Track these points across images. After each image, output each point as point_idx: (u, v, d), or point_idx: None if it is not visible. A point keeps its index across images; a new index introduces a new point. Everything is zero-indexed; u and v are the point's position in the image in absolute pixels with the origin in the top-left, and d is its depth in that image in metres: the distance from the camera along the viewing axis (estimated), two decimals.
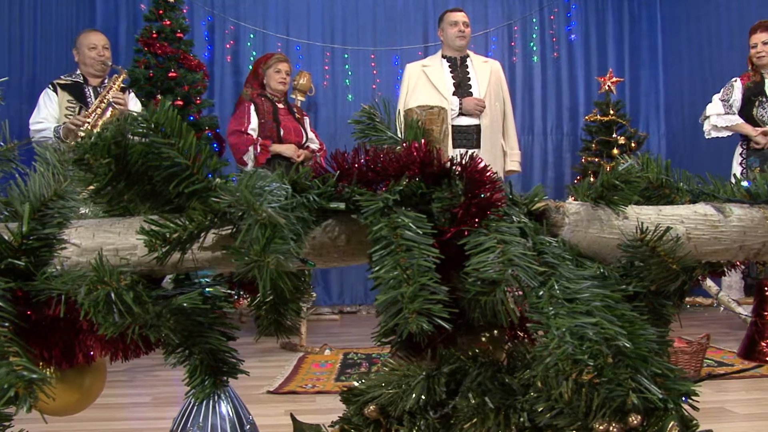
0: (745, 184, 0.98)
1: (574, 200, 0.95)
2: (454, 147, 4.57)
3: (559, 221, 0.91)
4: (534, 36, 6.31)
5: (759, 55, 4.32)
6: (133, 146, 0.81)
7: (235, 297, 0.87)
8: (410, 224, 0.79)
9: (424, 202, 0.84)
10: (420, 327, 0.72)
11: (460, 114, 4.57)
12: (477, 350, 0.86)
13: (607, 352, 0.75)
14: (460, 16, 4.75)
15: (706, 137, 4.60)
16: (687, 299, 4.14)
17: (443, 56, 4.78)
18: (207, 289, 0.87)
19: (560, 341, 0.72)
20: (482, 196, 0.83)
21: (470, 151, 0.85)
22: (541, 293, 0.78)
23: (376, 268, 0.78)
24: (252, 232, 0.72)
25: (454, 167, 0.85)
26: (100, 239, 0.85)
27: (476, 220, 0.82)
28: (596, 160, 5.44)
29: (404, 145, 0.87)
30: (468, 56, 4.80)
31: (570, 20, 6.36)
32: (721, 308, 4.79)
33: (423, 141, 0.86)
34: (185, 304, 0.83)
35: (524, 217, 0.87)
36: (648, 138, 6.02)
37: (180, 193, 0.84)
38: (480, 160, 0.84)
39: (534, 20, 6.31)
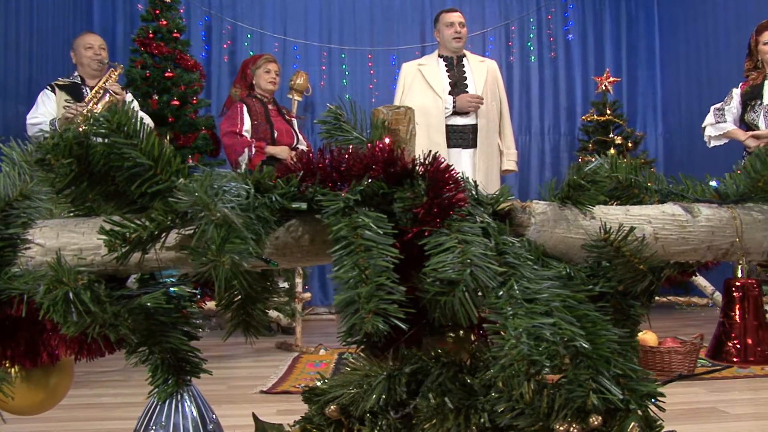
0: (713, 184, 0.98)
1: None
2: (450, 147, 4.57)
3: (525, 221, 0.91)
4: (531, 36, 6.30)
5: None
6: (95, 146, 0.82)
7: (198, 297, 0.87)
8: (370, 224, 0.79)
9: (387, 202, 0.84)
10: (376, 327, 0.72)
11: (456, 113, 4.56)
12: (440, 350, 0.86)
13: (564, 352, 0.74)
14: (455, 17, 4.74)
15: (709, 147, 4.60)
16: (682, 299, 4.14)
17: (440, 56, 4.78)
18: (172, 289, 0.87)
19: (516, 342, 0.72)
20: (444, 196, 0.83)
21: (434, 152, 0.85)
22: (500, 293, 0.78)
23: (335, 269, 0.78)
24: (207, 232, 0.72)
25: (417, 167, 0.85)
26: (64, 239, 0.86)
27: (438, 220, 0.82)
28: (593, 160, 5.43)
29: (368, 145, 0.87)
30: (464, 56, 4.80)
31: (567, 20, 6.35)
32: (717, 308, 4.79)
33: (387, 141, 0.86)
34: (149, 304, 0.84)
35: (488, 217, 0.86)
36: (645, 138, 6.01)
37: (143, 193, 0.84)
38: (443, 160, 0.84)
39: (531, 20, 6.30)
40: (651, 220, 0.95)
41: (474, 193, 0.90)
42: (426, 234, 0.81)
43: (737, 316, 0.93)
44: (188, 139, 5.02)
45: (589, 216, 0.93)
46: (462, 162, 4.59)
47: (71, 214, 0.88)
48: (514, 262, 0.81)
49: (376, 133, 0.90)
